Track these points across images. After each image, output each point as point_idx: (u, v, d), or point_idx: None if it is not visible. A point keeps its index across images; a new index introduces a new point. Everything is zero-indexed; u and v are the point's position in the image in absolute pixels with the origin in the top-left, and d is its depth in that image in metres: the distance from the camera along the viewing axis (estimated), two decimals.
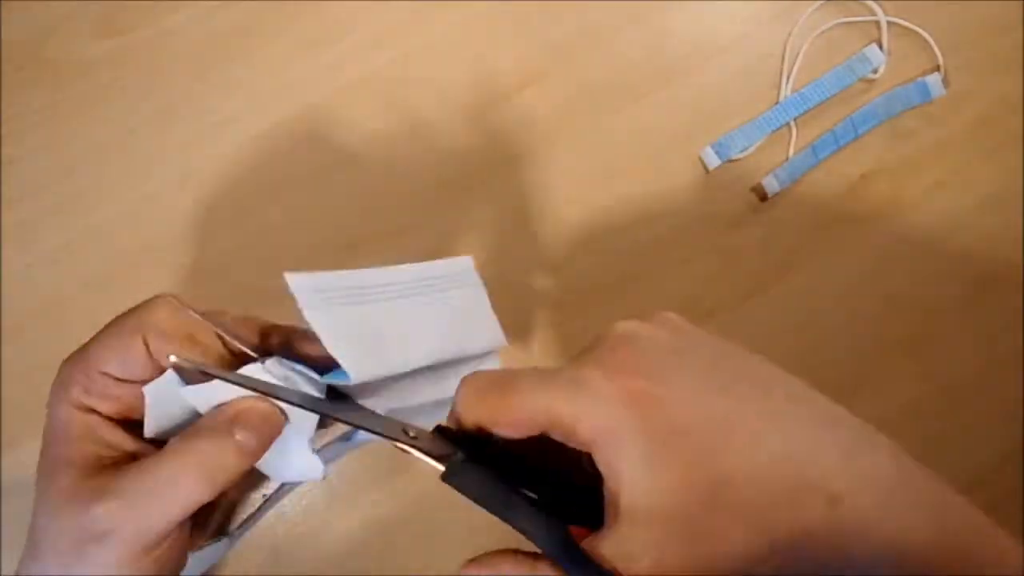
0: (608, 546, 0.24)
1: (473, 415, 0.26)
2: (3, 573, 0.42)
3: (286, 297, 0.26)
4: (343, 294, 0.27)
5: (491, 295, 0.32)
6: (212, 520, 0.33)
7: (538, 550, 0.25)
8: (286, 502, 0.41)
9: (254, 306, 0.43)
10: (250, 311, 0.43)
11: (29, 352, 0.42)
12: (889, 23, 0.44)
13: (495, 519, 0.25)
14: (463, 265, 0.31)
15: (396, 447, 0.27)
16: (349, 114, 0.43)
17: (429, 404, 0.31)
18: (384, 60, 0.43)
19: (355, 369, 0.27)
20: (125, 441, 0.29)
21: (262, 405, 0.27)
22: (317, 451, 0.29)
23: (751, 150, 0.44)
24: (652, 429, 0.24)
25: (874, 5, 0.44)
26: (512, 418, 0.25)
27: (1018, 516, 0.45)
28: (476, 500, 0.25)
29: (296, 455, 0.29)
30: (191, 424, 0.28)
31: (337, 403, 0.28)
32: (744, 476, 0.24)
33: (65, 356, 0.43)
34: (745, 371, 0.27)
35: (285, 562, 0.40)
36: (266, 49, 0.43)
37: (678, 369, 0.26)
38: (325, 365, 0.28)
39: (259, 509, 0.35)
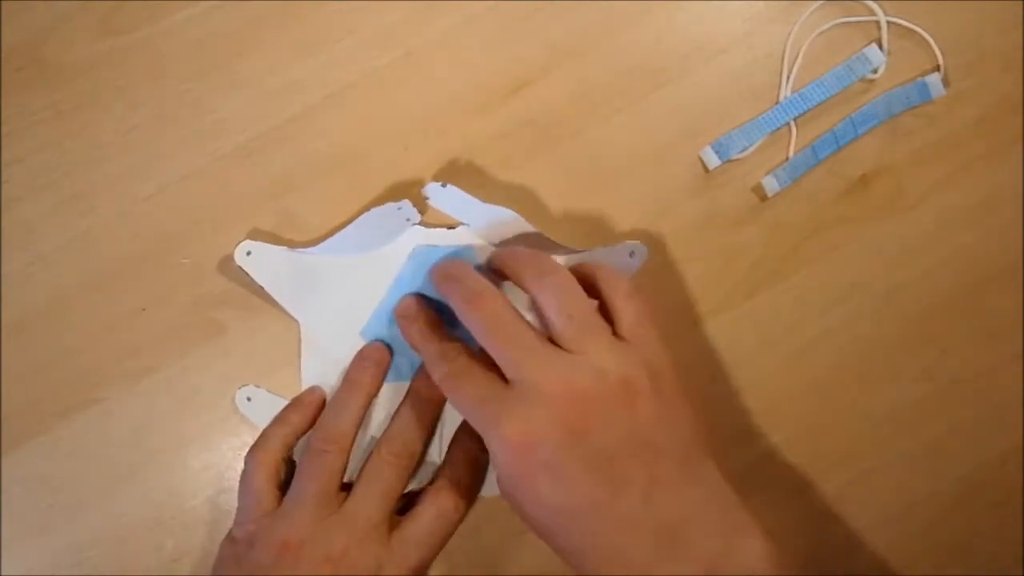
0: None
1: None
2: (3, 573, 0.42)
3: None
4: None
5: None
6: None
7: None
8: None
9: (257, 307, 0.43)
10: (251, 311, 0.43)
11: (29, 352, 0.42)
12: (889, 23, 0.44)
13: None
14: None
15: None
16: (349, 114, 0.43)
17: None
18: (384, 60, 0.44)
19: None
20: None
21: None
22: None
23: (751, 150, 0.44)
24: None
25: (874, 5, 0.44)
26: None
27: (1018, 516, 0.45)
28: None
29: None
30: None
31: None
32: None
33: (65, 356, 0.43)
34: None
35: None
36: (266, 49, 0.43)
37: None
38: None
39: None
